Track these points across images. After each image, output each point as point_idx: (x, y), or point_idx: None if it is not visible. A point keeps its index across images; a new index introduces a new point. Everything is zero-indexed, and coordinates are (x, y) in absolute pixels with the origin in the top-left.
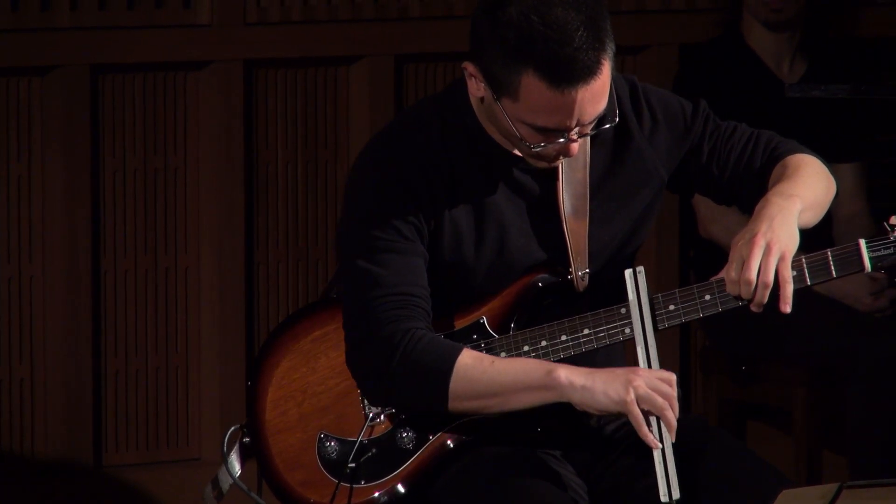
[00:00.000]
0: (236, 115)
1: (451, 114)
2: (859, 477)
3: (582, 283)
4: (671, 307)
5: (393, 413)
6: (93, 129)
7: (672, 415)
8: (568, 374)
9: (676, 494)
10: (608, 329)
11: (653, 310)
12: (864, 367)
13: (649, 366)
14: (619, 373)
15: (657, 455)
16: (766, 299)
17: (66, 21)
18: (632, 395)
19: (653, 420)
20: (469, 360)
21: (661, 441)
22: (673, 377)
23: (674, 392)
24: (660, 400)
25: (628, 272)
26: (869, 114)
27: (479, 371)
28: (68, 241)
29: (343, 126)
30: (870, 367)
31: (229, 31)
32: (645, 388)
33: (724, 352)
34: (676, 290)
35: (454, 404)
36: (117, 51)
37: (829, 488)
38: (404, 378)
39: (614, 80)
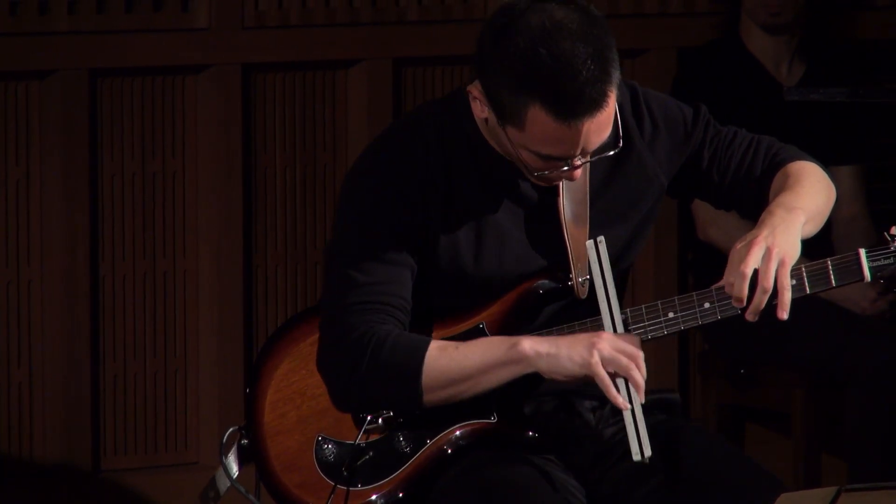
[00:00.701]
0: (234, 119)
1: (451, 120)
2: (858, 480)
3: (582, 290)
4: (670, 315)
5: (391, 416)
6: (91, 132)
7: (639, 374)
8: (532, 345)
9: (648, 451)
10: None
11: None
12: (863, 370)
13: (615, 330)
14: (583, 337)
15: (627, 416)
16: (763, 305)
17: (65, 25)
18: (596, 357)
19: (620, 382)
20: (435, 352)
21: (630, 402)
22: (637, 339)
23: (639, 352)
24: (624, 360)
25: (589, 242)
26: (867, 117)
27: (447, 359)
28: (67, 244)
29: (341, 130)
30: (869, 370)
31: (227, 34)
32: (609, 350)
33: (722, 356)
34: (675, 298)
35: (428, 397)
36: (115, 55)
37: (828, 492)
38: (375, 380)
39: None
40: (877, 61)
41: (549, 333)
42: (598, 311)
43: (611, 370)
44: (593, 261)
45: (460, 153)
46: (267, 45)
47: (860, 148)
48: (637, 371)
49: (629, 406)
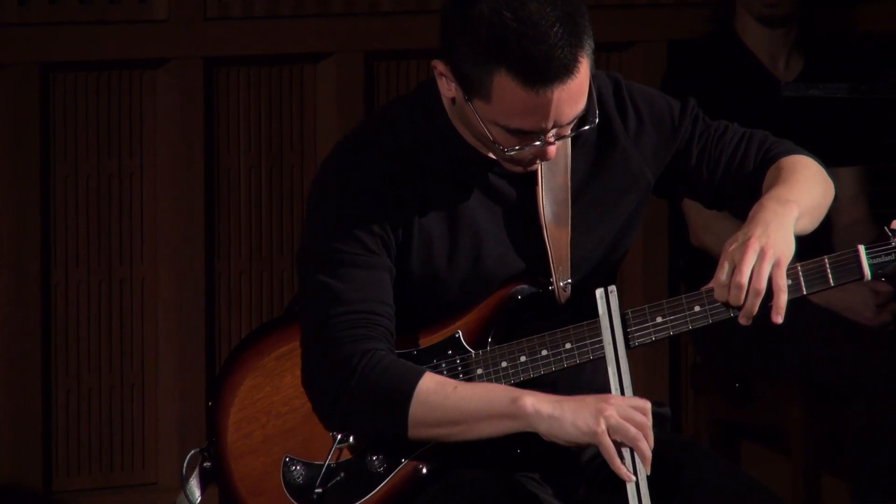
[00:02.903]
0: (196, 117)
1: (423, 115)
2: (861, 501)
3: (564, 295)
4: (658, 319)
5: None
6: (43, 131)
7: (646, 445)
8: (535, 403)
9: None
10: (591, 343)
11: (625, 330)
12: (867, 384)
13: (622, 392)
14: (590, 401)
15: (630, 489)
16: (756, 308)
17: (14, 16)
18: (603, 426)
19: (626, 451)
20: (431, 385)
21: (635, 473)
22: (647, 405)
23: (648, 421)
24: (633, 430)
25: (599, 292)
26: (869, 114)
27: (441, 396)
28: (15, 250)
29: (309, 128)
30: (872, 384)
31: (188, 27)
32: (617, 418)
33: (716, 368)
34: (664, 301)
35: (414, 431)
36: (69, 48)
37: None
38: (361, 401)
39: (597, 78)
40: (879, 55)
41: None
42: (579, 318)
43: (617, 439)
44: (602, 314)
45: (433, 149)
46: (230, 38)
47: (862, 148)
48: (645, 442)
49: (634, 478)
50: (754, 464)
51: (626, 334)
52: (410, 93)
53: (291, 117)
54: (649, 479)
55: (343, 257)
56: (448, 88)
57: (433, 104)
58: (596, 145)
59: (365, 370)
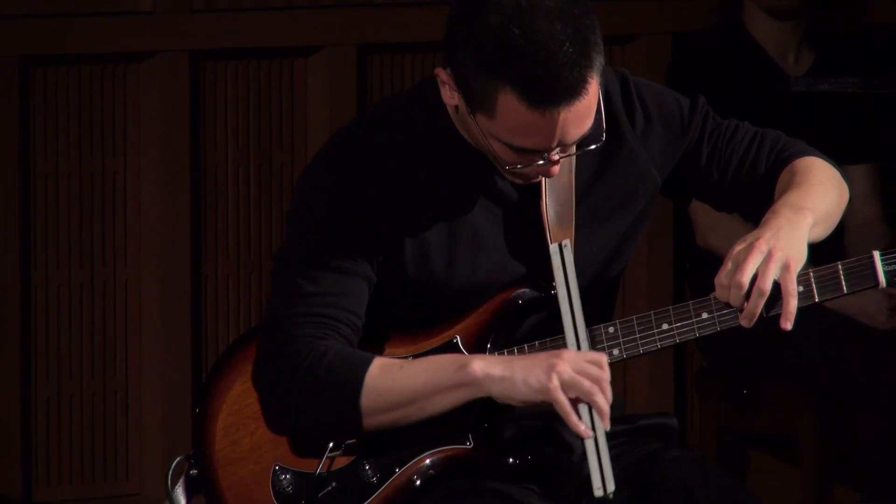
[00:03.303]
0: (182, 113)
1: (421, 113)
2: None
3: None
4: (664, 326)
5: (355, 443)
6: (22, 127)
7: (603, 399)
8: (483, 366)
9: (611, 486)
10: (595, 349)
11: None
12: (880, 390)
13: (578, 348)
14: (541, 358)
15: (589, 445)
16: (758, 310)
17: None
18: (555, 381)
19: (583, 408)
20: (377, 371)
21: (594, 429)
22: (603, 357)
23: (604, 374)
24: (587, 384)
25: (553, 246)
26: (882, 110)
27: (390, 379)
28: None
29: (300, 125)
30: (885, 390)
31: (174, 19)
32: (570, 373)
33: (723, 374)
34: (670, 308)
35: (369, 420)
36: (50, 41)
37: None
38: (309, 399)
39: (604, 76)
40: (892, 49)
41: (515, 351)
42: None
43: (572, 395)
44: (556, 267)
45: (430, 148)
46: (218, 31)
47: (875, 145)
48: (601, 395)
49: (592, 434)
50: (762, 472)
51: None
52: (409, 90)
53: (281, 113)
54: (653, 496)
55: (319, 259)
56: (451, 97)
57: (433, 102)
58: (602, 145)
59: (311, 366)
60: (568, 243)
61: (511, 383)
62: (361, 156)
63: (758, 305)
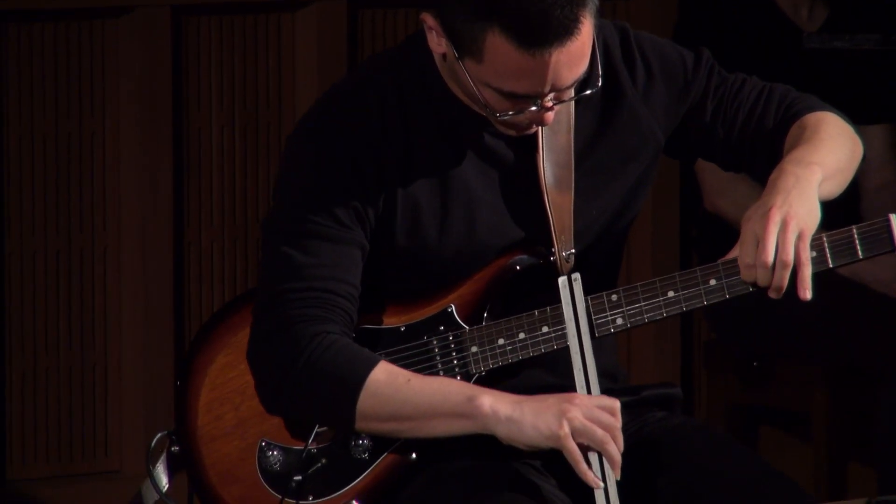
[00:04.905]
0: (162, 71)
1: (410, 71)
2: (889, 491)
3: (566, 266)
4: (670, 294)
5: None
6: None
7: (615, 449)
8: (492, 403)
9: None
10: (596, 319)
11: (591, 321)
12: None
13: (588, 390)
14: (552, 402)
15: (599, 496)
16: (786, 282)
17: None
18: (566, 429)
19: (593, 456)
20: (382, 376)
21: (604, 480)
22: (616, 404)
23: (616, 422)
24: (599, 432)
25: (562, 280)
26: None
27: (393, 389)
28: None
29: (287, 84)
30: None
31: None
32: (581, 420)
33: (732, 346)
34: (676, 274)
35: (362, 424)
36: None
37: None
38: (307, 387)
39: (602, 29)
40: None
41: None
42: (584, 292)
43: (583, 443)
44: (565, 303)
45: (421, 108)
46: None
47: (893, 105)
48: (613, 445)
49: (602, 485)
50: (773, 450)
51: (591, 322)
52: (397, 47)
53: (268, 71)
54: (657, 465)
55: (311, 228)
56: (437, 44)
57: (422, 59)
58: (601, 102)
59: (313, 355)
60: (578, 277)
61: (518, 426)
62: (349, 118)
63: (784, 278)
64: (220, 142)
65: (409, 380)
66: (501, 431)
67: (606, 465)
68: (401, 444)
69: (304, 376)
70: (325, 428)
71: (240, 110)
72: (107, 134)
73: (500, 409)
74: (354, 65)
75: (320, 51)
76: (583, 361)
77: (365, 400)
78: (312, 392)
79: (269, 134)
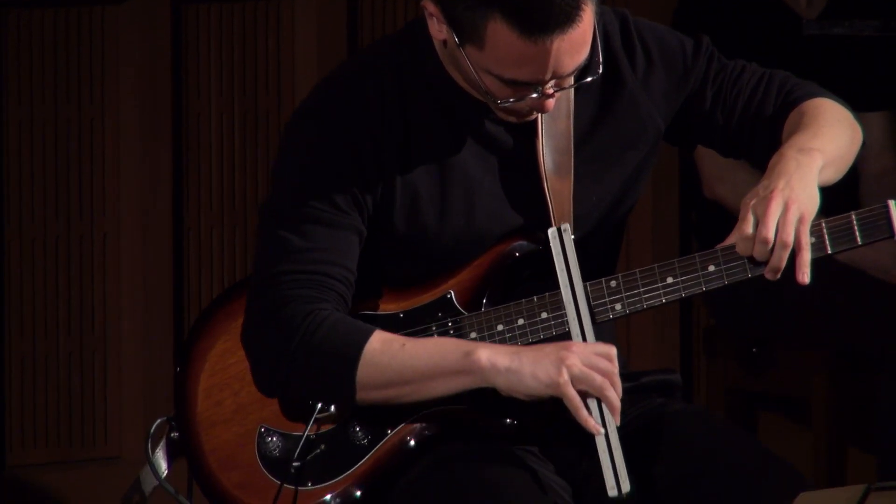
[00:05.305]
0: (162, 57)
1: (410, 57)
2: (889, 477)
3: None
4: (669, 280)
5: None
6: None
7: (614, 394)
8: (490, 356)
9: (626, 487)
10: (596, 305)
11: (590, 306)
12: None
13: (583, 338)
14: (550, 350)
15: (600, 441)
16: (784, 263)
17: None
18: (565, 376)
19: (592, 402)
20: (377, 345)
21: (604, 425)
22: (613, 350)
23: (614, 368)
24: (598, 378)
25: (551, 231)
26: None
27: (389, 356)
28: None
29: (287, 70)
30: None
31: None
32: (580, 367)
33: (731, 332)
34: (675, 260)
35: (363, 395)
36: None
37: (855, 490)
38: (304, 366)
39: (602, 15)
40: None
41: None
42: (584, 278)
43: (582, 389)
44: (556, 252)
45: (421, 94)
46: None
47: (892, 92)
48: (612, 390)
49: (602, 430)
50: (773, 436)
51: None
52: (397, 33)
53: (267, 57)
54: (656, 450)
55: (307, 212)
56: (438, 31)
57: (422, 45)
58: (601, 89)
59: (307, 332)
60: (567, 227)
61: (518, 376)
62: (348, 104)
63: (782, 259)
64: (219, 128)
65: (403, 344)
66: (501, 383)
67: (606, 412)
68: (400, 429)
69: (300, 355)
70: (324, 413)
71: (239, 97)
72: (106, 120)
73: (498, 360)
74: (354, 51)
75: (320, 37)
76: (576, 310)
77: (363, 370)
78: (310, 370)
79: (268, 120)
